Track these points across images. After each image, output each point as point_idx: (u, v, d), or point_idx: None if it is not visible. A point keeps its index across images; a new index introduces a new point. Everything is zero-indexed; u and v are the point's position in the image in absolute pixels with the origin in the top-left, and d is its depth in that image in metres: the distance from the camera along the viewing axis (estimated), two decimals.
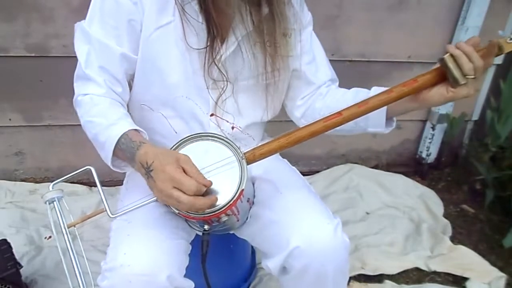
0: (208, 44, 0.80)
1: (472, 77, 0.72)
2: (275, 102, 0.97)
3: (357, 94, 0.92)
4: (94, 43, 0.80)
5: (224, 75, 0.84)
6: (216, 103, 0.88)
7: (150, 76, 0.84)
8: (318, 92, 0.98)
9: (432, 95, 0.77)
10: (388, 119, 0.87)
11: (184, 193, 0.64)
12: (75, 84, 0.84)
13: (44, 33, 1.56)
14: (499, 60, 1.90)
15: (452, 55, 0.72)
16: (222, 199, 0.69)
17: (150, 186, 0.70)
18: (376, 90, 0.85)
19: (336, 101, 0.94)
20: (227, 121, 0.92)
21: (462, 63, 0.71)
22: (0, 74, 1.62)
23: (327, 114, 0.78)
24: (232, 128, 0.93)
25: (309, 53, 0.96)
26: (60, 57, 1.60)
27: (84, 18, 0.83)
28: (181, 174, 0.65)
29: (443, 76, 0.75)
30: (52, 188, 0.77)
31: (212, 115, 0.90)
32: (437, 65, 0.76)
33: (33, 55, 1.60)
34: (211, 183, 0.68)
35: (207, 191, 0.68)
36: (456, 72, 0.72)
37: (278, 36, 0.84)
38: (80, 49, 0.82)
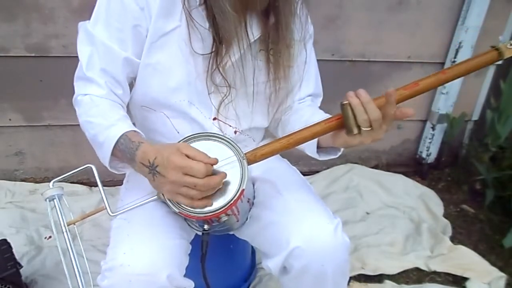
0: (213, 50, 0.80)
1: (367, 129, 0.70)
2: (275, 110, 0.98)
3: (311, 118, 0.88)
4: (97, 44, 0.80)
5: (227, 81, 0.84)
6: (217, 109, 0.88)
7: (152, 79, 0.84)
8: (293, 107, 0.98)
9: (334, 137, 0.76)
10: (331, 148, 0.85)
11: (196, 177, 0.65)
12: (75, 84, 0.83)
13: (44, 33, 1.57)
14: None
15: (350, 104, 0.70)
16: (223, 199, 0.69)
17: (157, 183, 0.69)
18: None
19: (294, 121, 0.94)
20: (230, 126, 0.92)
21: (357, 113, 0.69)
22: (0, 74, 1.62)
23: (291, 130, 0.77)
24: (235, 132, 0.93)
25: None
26: (60, 57, 1.61)
27: (84, 19, 0.83)
28: (187, 160, 0.65)
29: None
30: (52, 186, 0.77)
31: (214, 119, 0.90)
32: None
33: (33, 55, 1.60)
34: (216, 160, 0.68)
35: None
36: (350, 121, 0.70)
37: (282, 46, 0.84)
38: (83, 50, 0.81)
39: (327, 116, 0.79)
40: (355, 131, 0.71)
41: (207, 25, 0.79)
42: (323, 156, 0.87)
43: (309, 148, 0.86)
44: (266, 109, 0.95)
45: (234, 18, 0.75)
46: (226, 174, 0.69)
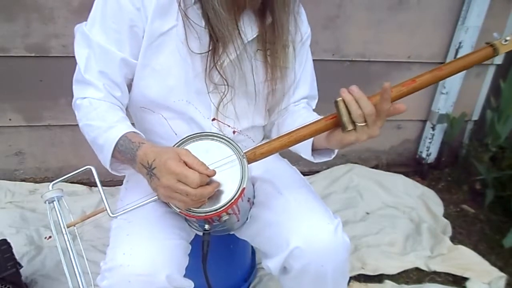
0: (210, 48, 0.80)
1: (361, 124, 0.70)
2: (272, 110, 0.98)
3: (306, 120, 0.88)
4: (94, 47, 0.80)
5: (225, 80, 0.84)
6: (217, 108, 0.88)
7: (150, 80, 0.84)
8: (288, 109, 0.99)
9: (329, 137, 0.76)
10: (326, 149, 0.85)
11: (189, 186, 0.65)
12: (73, 87, 0.83)
13: (44, 33, 1.57)
14: (499, 60, 1.90)
15: (343, 100, 0.70)
16: (223, 198, 0.69)
17: (153, 186, 0.69)
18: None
19: (289, 123, 0.94)
20: (229, 126, 0.92)
21: (351, 109, 0.69)
22: (0, 74, 1.62)
23: (282, 132, 0.77)
24: (234, 132, 0.93)
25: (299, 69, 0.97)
26: (60, 57, 1.61)
27: (84, 19, 0.83)
28: (183, 167, 0.65)
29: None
30: (52, 187, 0.77)
31: (213, 119, 0.90)
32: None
33: (33, 55, 1.60)
34: (214, 172, 0.68)
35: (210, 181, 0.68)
36: (345, 118, 0.70)
37: (279, 46, 0.84)
38: (80, 52, 0.81)
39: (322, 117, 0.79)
40: (350, 127, 0.70)
41: (203, 23, 0.79)
42: (318, 159, 0.87)
43: (304, 150, 0.86)
44: (264, 108, 0.96)
45: (225, 17, 0.76)
46: (219, 184, 0.69)
